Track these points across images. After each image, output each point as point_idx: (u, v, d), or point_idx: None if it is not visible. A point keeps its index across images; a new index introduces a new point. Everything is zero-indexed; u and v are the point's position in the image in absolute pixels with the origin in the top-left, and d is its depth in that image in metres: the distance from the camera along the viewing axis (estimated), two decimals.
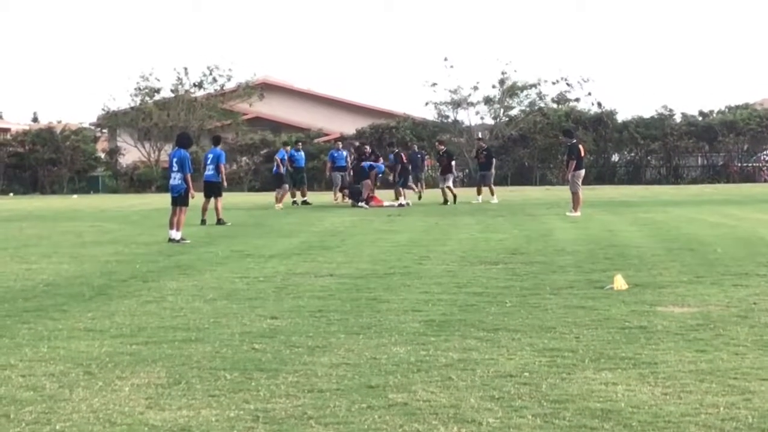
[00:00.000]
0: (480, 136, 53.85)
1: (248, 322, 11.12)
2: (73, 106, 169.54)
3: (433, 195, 39.96)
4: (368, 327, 10.68)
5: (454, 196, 37.53)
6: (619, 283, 13.36)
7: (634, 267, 15.75)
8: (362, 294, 13.20)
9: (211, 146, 30.34)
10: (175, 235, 21.90)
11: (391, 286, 14.03)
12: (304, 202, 38.68)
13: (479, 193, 39.06)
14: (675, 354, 9.05)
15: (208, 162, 28.56)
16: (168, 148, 65.08)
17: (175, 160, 22.45)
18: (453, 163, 39.65)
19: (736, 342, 9.61)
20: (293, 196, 39.24)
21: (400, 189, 37.75)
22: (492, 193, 39.01)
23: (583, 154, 30.55)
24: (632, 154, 69.05)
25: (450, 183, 38.34)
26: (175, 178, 22.41)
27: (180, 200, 22.29)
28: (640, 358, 8.87)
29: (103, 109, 72.46)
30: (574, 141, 30.79)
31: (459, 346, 9.56)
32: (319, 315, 11.55)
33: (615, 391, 7.70)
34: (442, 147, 41.28)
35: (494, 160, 40.21)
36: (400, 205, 36.59)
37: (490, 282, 14.24)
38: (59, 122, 74.30)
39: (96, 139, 72.51)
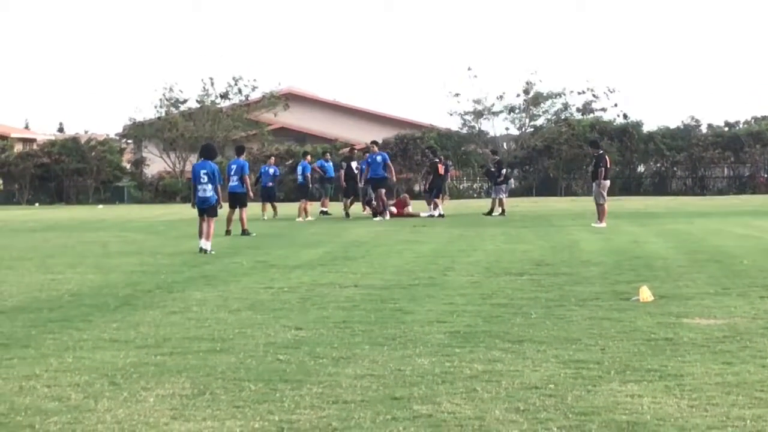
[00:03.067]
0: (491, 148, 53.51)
1: (273, 333, 11.13)
2: (99, 117, 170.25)
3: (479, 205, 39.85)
4: (393, 338, 10.66)
5: (502, 209, 37.34)
6: (645, 294, 13.30)
7: (659, 278, 15.69)
8: (387, 305, 13.19)
9: (234, 156, 30.40)
10: (206, 245, 21.90)
11: (415, 296, 14.02)
12: (325, 213, 38.76)
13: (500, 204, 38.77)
14: (701, 366, 9.00)
15: (232, 173, 28.60)
16: (193, 158, 65.30)
17: (203, 171, 22.31)
18: (503, 172, 39.01)
19: (763, 354, 9.55)
20: (324, 206, 39.34)
21: (434, 199, 37.58)
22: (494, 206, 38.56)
23: (609, 165, 30.53)
24: (658, 165, 68.88)
25: (502, 195, 38.05)
26: (206, 191, 22.28)
27: (211, 211, 22.30)
28: (666, 371, 8.83)
29: (129, 120, 72.82)
30: (601, 152, 30.78)
31: (484, 357, 9.54)
32: (343, 326, 11.54)
33: (641, 404, 7.66)
34: (496, 157, 40.76)
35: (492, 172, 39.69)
36: (431, 215, 36.59)
37: (515, 293, 14.21)
38: (85, 132, 74.68)
39: (122, 150, 72.83)
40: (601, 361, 9.24)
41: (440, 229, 29.19)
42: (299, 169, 38.37)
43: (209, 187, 22.26)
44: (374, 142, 38.03)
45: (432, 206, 37.25)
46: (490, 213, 37.37)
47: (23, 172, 67.10)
